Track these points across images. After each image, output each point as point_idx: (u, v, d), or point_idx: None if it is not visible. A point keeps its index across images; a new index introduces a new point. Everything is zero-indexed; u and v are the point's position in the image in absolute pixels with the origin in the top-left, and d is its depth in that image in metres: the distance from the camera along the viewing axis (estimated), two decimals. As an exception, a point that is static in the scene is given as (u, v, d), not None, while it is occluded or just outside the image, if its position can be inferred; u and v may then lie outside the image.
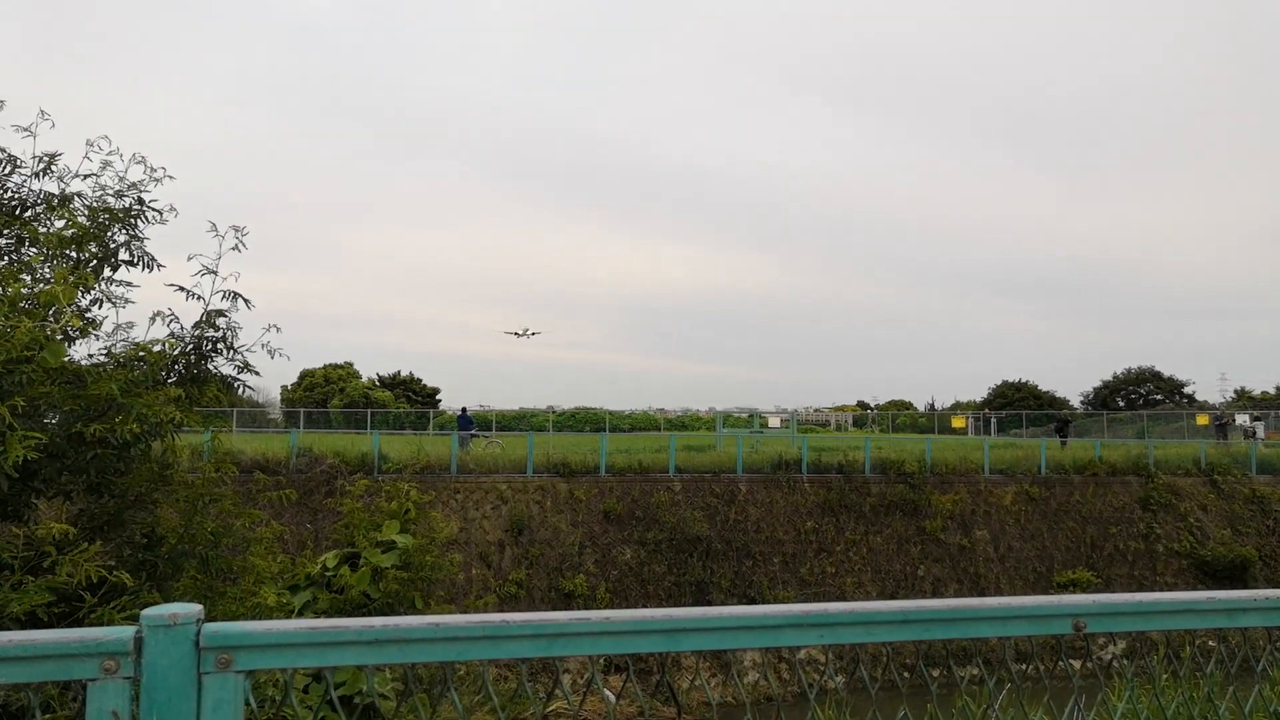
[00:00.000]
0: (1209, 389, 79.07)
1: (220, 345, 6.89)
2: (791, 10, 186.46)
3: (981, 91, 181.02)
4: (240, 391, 7.49)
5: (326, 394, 65.82)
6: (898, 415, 77.46)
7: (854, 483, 28.30)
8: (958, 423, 62.87)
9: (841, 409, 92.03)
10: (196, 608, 1.61)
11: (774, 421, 47.74)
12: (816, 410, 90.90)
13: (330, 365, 70.28)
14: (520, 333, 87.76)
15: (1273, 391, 70.51)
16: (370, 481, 16.23)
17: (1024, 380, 79.27)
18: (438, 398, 75.70)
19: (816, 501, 27.60)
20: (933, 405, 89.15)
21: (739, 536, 26.17)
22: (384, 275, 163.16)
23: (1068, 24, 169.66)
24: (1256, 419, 45.71)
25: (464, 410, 36.27)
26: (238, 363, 7.11)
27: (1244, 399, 69.89)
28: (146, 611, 1.60)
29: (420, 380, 75.80)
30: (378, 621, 1.64)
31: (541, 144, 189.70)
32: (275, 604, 6.93)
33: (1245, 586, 28.02)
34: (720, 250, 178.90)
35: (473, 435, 32.68)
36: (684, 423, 70.50)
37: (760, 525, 26.65)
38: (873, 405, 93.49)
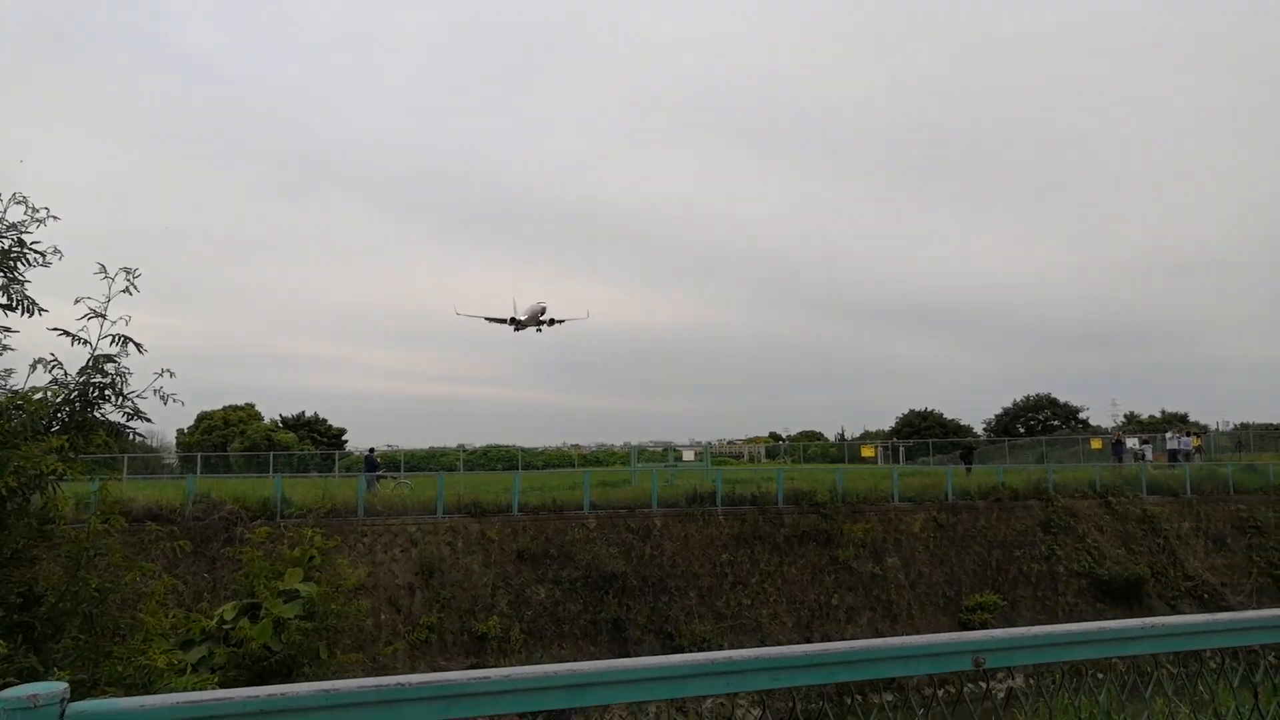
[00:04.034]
0: (1101, 414, 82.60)
1: (109, 392, 6.55)
2: (697, 57, 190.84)
3: (884, 132, 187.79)
4: (130, 438, 7.14)
5: (226, 437, 63.60)
6: (809, 446, 78.73)
7: (768, 514, 28.54)
8: (867, 452, 64.26)
9: (754, 440, 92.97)
10: (61, 686, 1.47)
11: (688, 454, 48.01)
12: (730, 442, 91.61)
13: (230, 407, 68.04)
14: (514, 320, 68.32)
15: (1159, 415, 74.08)
16: (272, 528, 15.63)
17: (930, 409, 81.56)
18: (344, 439, 73.89)
19: (731, 534, 27.71)
20: (843, 435, 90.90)
21: (655, 572, 26.06)
22: (288, 314, 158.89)
23: (962, 66, 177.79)
24: (1145, 442, 47.93)
25: (371, 451, 35.47)
26: (127, 409, 6.78)
27: (1133, 423, 73.24)
28: (4, 694, 1.44)
29: (326, 421, 73.89)
30: (263, 691, 1.52)
31: (451, 181, 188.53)
32: (166, 664, 6.53)
33: (1139, 603, 29.20)
34: (633, 285, 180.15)
35: (380, 476, 31.89)
36: (599, 458, 70.28)
37: (676, 559, 26.61)
38: (785, 436, 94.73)
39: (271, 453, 52.38)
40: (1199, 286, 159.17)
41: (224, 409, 67.58)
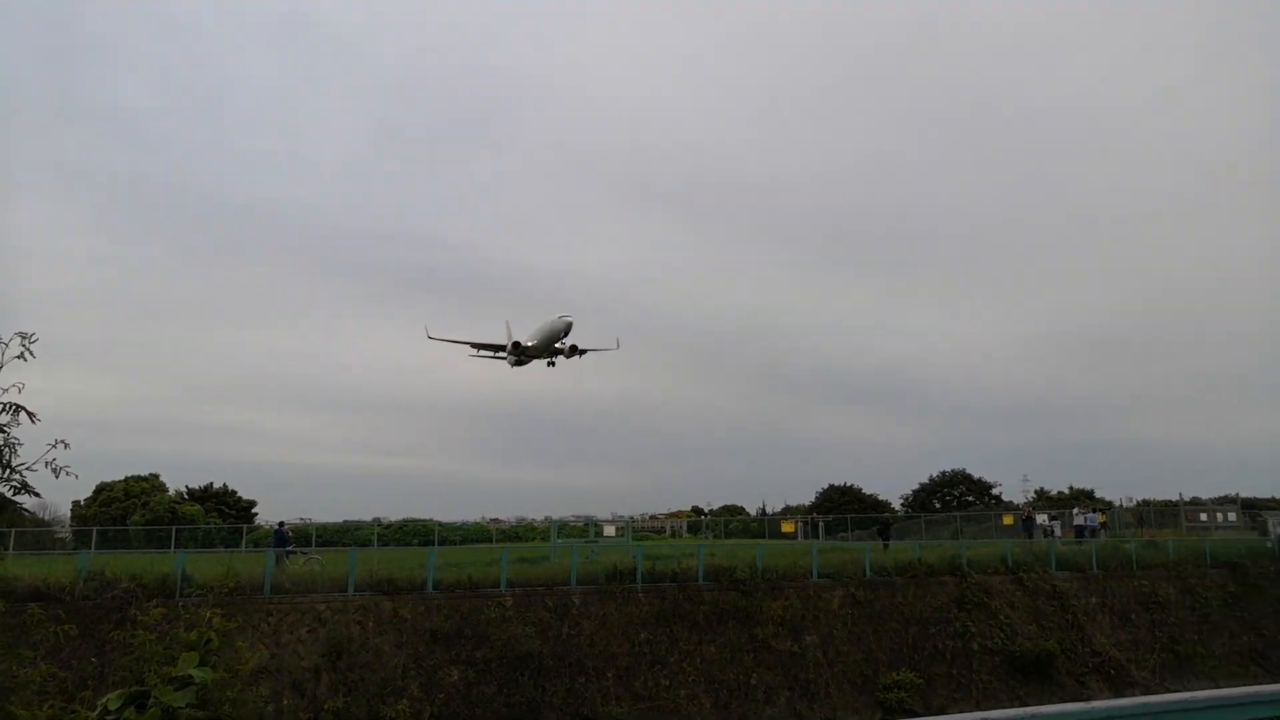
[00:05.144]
0: (1013, 490, 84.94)
1: (-7, 464, 6.20)
2: (621, 127, 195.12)
3: (807, 208, 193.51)
4: (16, 513, 6.76)
5: (127, 509, 60.81)
6: (730, 520, 78.90)
7: (688, 591, 28.30)
8: (787, 527, 64.63)
9: (676, 515, 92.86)
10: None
11: (610, 530, 47.47)
12: (653, 517, 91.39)
13: (133, 478, 65.26)
14: (518, 346, 53.93)
15: (1067, 491, 76.41)
16: (169, 608, 14.86)
17: (850, 483, 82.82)
18: (254, 511, 71.36)
19: (651, 612, 27.36)
20: (764, 510, 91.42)
21: (572, 651, 25.49)
22: (200, 380, 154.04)
23: (885, 141, 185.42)
24: (1054, 518, 49.36)
25: (281, 525, 34.27)
26: (15, 483, 6.43)
27: (1043, 499, 75.34)
28: None
29: (235, 493, 71.28)
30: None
31: (377, 245, 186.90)
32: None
33: (1050, 679, 29.65)
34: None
35: (290, 552, 30.77)
36: (518, 533, 69.27)
37: (594, 639, 26.09)
38: (707, 510, 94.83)
39: (174, 526, 50.29)
40: (1105, 366, 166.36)
41: (125, 479, 64.76)
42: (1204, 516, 54.27)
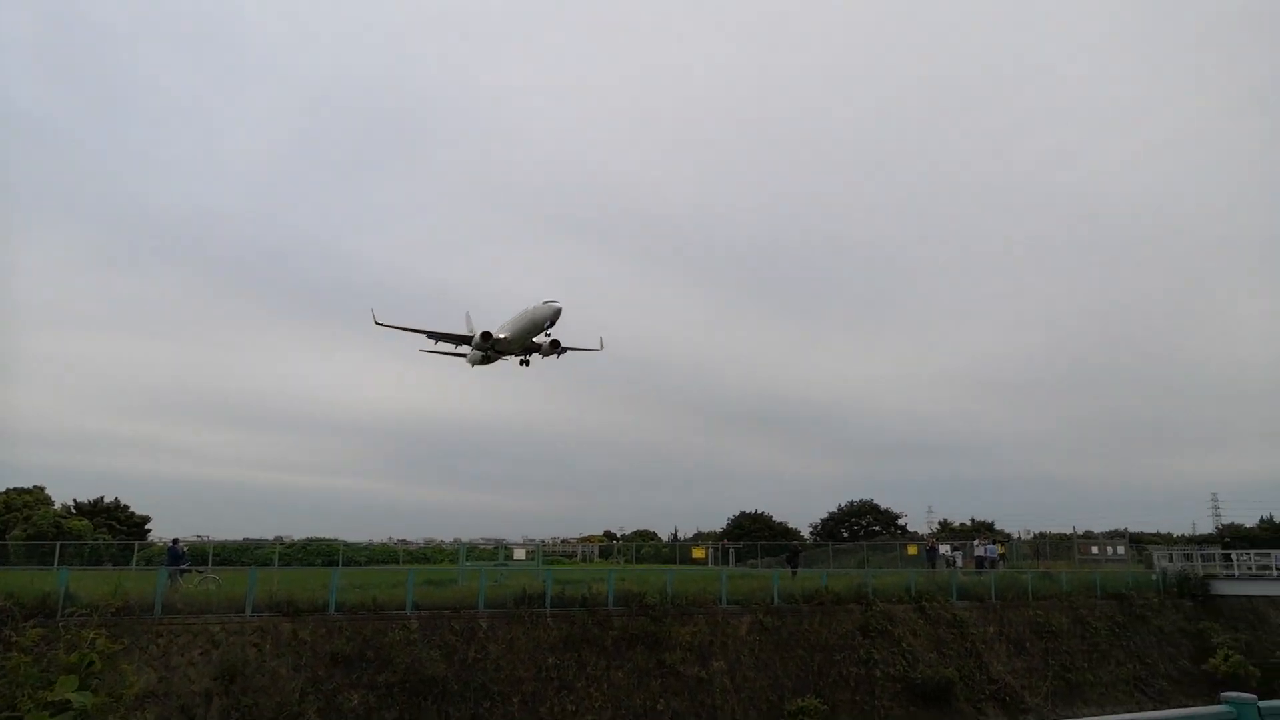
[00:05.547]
0: (918, 520, 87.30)
1: None
2: (545, 154, 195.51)
3: (725, 243, 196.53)
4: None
5: (7, 523, 57.55)
6: (642, 546, 78.92)
7: (597, 616, 28.09)
8: (698, 553, 64.87)
9: (588, 539, 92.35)
10: None
11: (520, 553, 46.97)
12: (564, 541, 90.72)
13: (14, 490, 61.85)
14: (488, 338, 45.59)
15: (969, 523, 78.68)
16: (48, 628, 14.04)
17: (761, 511, 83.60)
18: (148, 528, 68.25)
19: (559, 636, 27.05)
20: (675, 535, 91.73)
21: (478, 676, 25.00)
22: (96, 391, 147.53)
23: (799, 180, 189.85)
24: (956, 549, 50.70)
25: (175, 542, 32.80)
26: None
27: (946, 530, 77.40)
28: None
29: (128, 508, 68.12)
30: None
31: (288, 261, 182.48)
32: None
33: (949, 706, 30.31)
34: (472, 377, 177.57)
35: (185, 570, 29.48)
36: (427, 554, 67.95)
37: (500, 663, 25.65)
38: (619, 535, 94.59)
39: (59, 541, 47.70)
40: (1006, 405, 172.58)
41: (6, 492, 61.35)
42: (1095, 550, 56.55)
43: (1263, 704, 2.62)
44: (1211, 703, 2.66)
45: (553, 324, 43.77)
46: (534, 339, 45.90)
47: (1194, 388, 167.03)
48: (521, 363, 48.26)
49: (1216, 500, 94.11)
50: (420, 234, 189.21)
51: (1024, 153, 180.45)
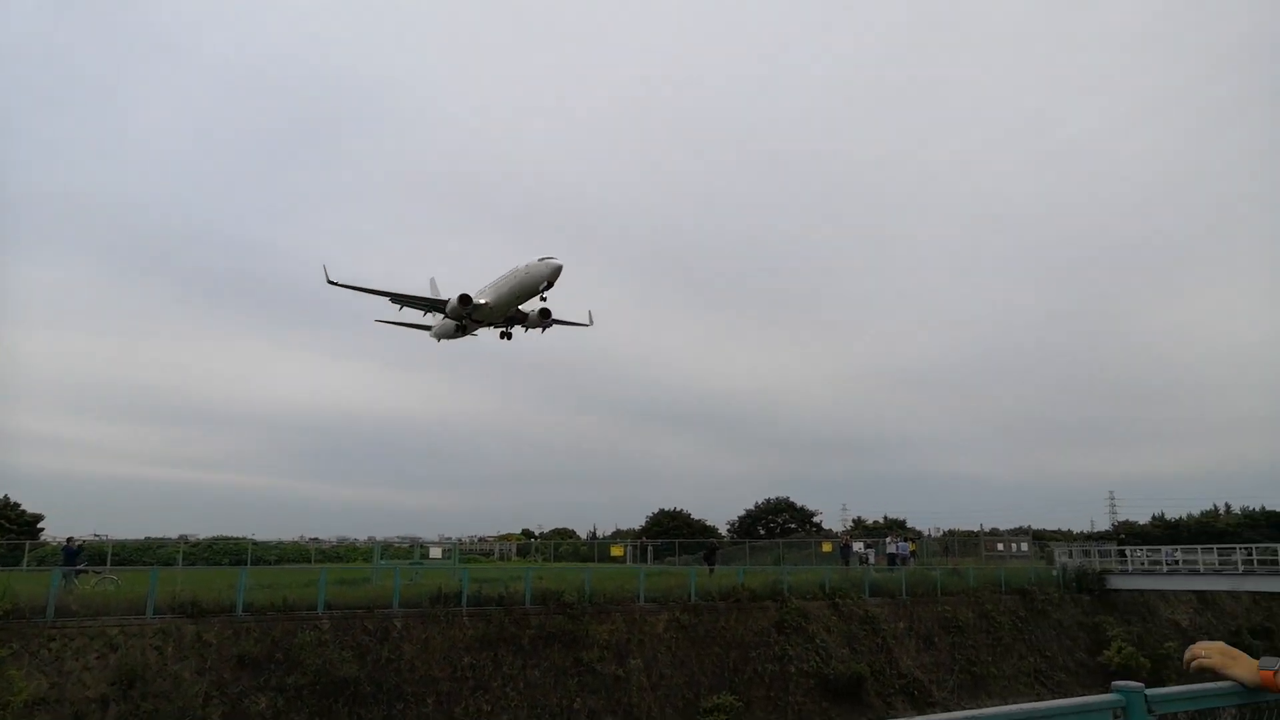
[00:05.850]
0: (833, 518, 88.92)
1: None
2: (465, 145, 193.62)
3: (644, 238, 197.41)
4: None
5: (-116, 521, 54.30)
6: (560, 544, 78.51)
7: (514, 614, 27.89)
8: (617, 551, 64.83)
9: (506, 538, 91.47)
10: None
11: (436, 552, 46.28)
12: (481, 539, 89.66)
13: (-106, 486, 58.37)
14: (467, 302, 39.65)
15: (882, 520, 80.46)
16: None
17: (679, 509, 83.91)
18: (40, 526, 65.04)
19: (476, 635, 26.77)
20: (595, 534, 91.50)
21: (391, 677, 24.57)
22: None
23: (719, 179, 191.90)
24: (869, 546, 51.76)
25: (70, 540, 31.47)
26: None
27: (860, 527, 79.01)
28: None
29: (18, 505, 64.78)
30: None
31: (200, 249, 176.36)
32: None
33: (860, 701, 30.96)
34: (390, 370, 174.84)
35: (81, 571, 28.27)
36: (340, 553, 66.46)
37: (415, 663, 25.26)
38: (537, 534, 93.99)
39: (-58, 541, 45.27)
40: (918, 404, 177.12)
41: (-116, 488, 57.94)
42: (1000, 546, 58.38)
43: (1149, 691, 2.73)
44: (1104, 693, 2.75)
45: (550, 286, 37.73)
46: (520, 307, 40.84)
47: (1096, 389, 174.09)
48: (502, 335, 42.99)
49: (1114, 498, 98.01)
50: (336, 225, 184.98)
51: (938, 158, 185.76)
